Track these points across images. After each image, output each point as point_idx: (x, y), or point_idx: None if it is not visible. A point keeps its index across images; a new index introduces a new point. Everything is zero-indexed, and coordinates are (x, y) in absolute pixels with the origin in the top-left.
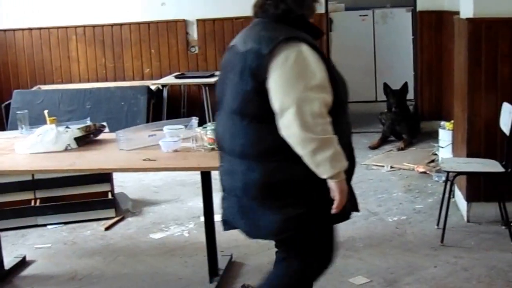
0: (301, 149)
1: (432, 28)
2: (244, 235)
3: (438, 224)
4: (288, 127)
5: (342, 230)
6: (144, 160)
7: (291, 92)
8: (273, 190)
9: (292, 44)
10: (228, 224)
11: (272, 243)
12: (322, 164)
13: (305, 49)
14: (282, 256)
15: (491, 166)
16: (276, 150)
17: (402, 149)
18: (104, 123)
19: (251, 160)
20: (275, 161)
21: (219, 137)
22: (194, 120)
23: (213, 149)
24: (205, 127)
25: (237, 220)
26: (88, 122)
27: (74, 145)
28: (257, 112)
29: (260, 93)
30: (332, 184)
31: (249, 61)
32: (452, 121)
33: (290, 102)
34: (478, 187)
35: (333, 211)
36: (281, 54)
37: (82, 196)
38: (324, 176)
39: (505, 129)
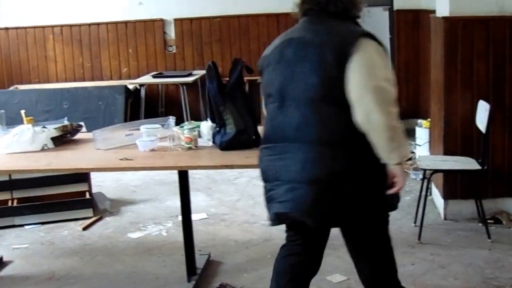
0: (379, 135)
1: (409, 27)
2: (314, 223)
3: (415, 222)
4: (368, 114)
5: None
6: (121, 159)
7: (371, 80)
8: (357, 177)
9: (368, 39)
10: (280, 219)
11: (250, 243)
12: (395, 150)
13: (378, 45)
14: (362, 255)
15: (468, 163)
16: (358, 137)
17: None
18: (81, 123)
19: (337, 147)
20: (358, 148)
21: (284, 127)
22: (171, 119)
23: (190, 148)
24: (182, 126)
25: (308, 209)
26: (65, 122)
27: (51, 145)
28: (342, 99)
29: (343, 81)
30: (397, 169)
31: (332, 52)
32: (429, 119)
33: (370, 90)
34: (455, 185)
35: (393, 191)
36: (362, 46)
37: (60, 196)
38: (393, 162)
39: (481, 126)
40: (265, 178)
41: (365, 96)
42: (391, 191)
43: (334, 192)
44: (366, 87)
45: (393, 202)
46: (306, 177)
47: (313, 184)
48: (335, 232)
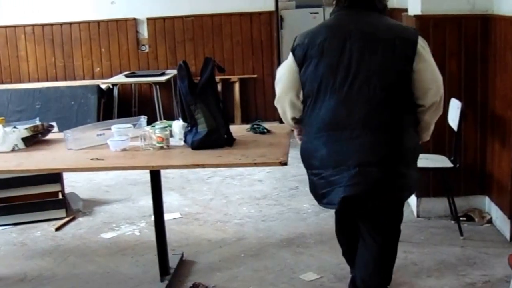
0: (436, 114)
1: None
2: (379, 202)
3: None
4: (436, 96)
5: (293, 227)
6: (92, 159)
7: (436, 69)
8: (411, 157)
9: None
10: (347, 202)
11: (223, 243)
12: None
13: None
14: (379, 227)
15: (440, 161)
16: (411, 122)
17: None
18: (53, 123)
19: (399, 131)
20: (411, 132)
21: (350, 116)
22: (143, 119)
23: (161, 147)
24: (154, 126)
25: (377, 189)
26: (37, 122)
27: (21, 145)
28: (407, 89)
29: (407, 72)
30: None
31: (401, 47)
32: None
33: (437, 76)
34: (427, 183)
35: None
36: (421, 42)
37: (32, 196)
38: (426, 140)
39: (453, 124)
40: (324, 165)
41: (434, 82)
42: None
43: (397, 172)
44: (435, 75)
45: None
46: (376, 160)
47: (382, 166)
48: (306, 231)
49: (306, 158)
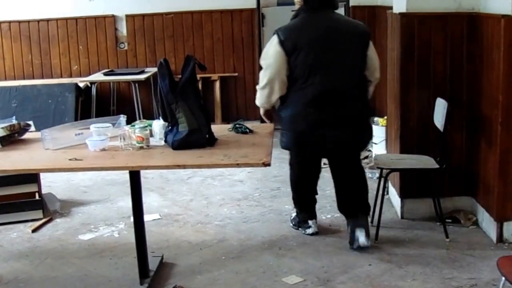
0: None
1: (365, 23)
2: (354, 147)
3: (372, 221)
4: (378, 73)
5: (275, 228)
6: (70, 159)
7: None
8: (369, 117)
9: None
10: (337, 145)
11: (204, 245)
12: None
13: None
14: (350, 166)
15: (425, 162)
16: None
17: None
18: (30, 122)
19: (363, 97)
20: (367, 99)
21: (338, 89)
22: (122, 118)
23: (141, 147)
24: (133, 125)
25: (358, 136)
26: (14, 121)
27: None
28: (361, 68)
29: (364, 56)
30: None
31: (362, 38)
32: (386, 117)
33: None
34: (412, 184)
35: None
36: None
37: (8, 197)
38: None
39: (439, 124)
40: (316, 125)
41: (377, 63)
42: None
43: (365, 126)
44: (376, 58)
45: None
46: (356, 118)
47: (360, 122)
48: (288, 233)
49: (295, 122)
